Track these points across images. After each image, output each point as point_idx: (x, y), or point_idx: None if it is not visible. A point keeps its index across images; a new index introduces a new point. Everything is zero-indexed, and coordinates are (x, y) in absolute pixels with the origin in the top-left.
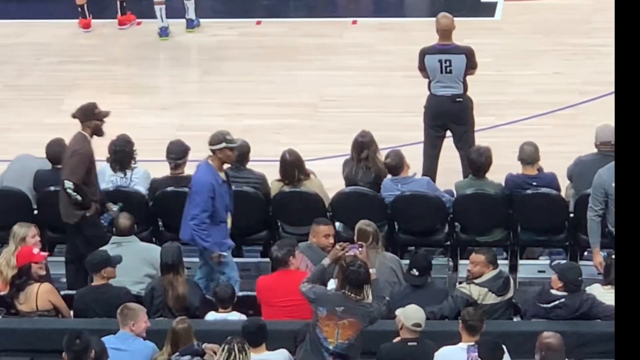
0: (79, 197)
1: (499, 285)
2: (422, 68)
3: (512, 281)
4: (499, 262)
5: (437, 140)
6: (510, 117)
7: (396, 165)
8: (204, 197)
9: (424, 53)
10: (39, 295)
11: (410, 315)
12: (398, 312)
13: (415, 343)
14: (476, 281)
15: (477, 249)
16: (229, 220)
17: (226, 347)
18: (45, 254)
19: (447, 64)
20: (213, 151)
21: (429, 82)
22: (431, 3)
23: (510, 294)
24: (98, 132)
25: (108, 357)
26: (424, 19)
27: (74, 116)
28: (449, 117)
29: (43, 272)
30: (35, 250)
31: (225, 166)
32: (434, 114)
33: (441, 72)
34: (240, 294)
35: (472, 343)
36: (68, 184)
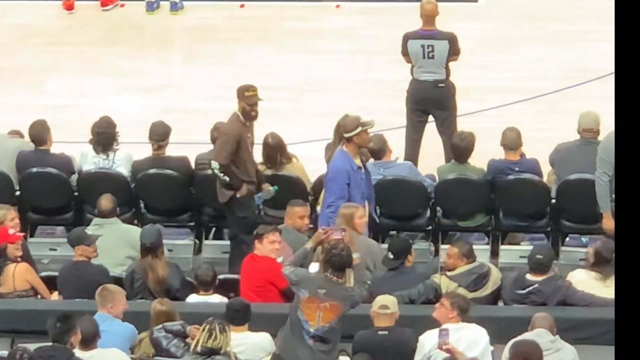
0: (226, 178)
1: (470, 280)
2: (405, 53)
3: (492, 278)
4: (481, 247)
5: (420, 125)
6: (493, 103)
7: (379, 149)
8: (340, 184)
9: (406, 38)
10: (16, 275)
11: (378, 299)
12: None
13: (386, 332)
14: (448, 273)
15: (453, 241)
16: (367, 207)
17: (207, 327)
18: (21, 234)
19: (430, 49)
20: (348, 138)
21: (412, 67)
22: None
23: (487, 292)
24: (246, 115)
25: (100, 338)
26: (408, 4)
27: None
28: (431, 102)
29: (19, 253)
30: (11, 231)
31: (208, 149)
32: (417, 99)
33: (424, 57)
34: (221, 276)
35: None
36: (214, 164)
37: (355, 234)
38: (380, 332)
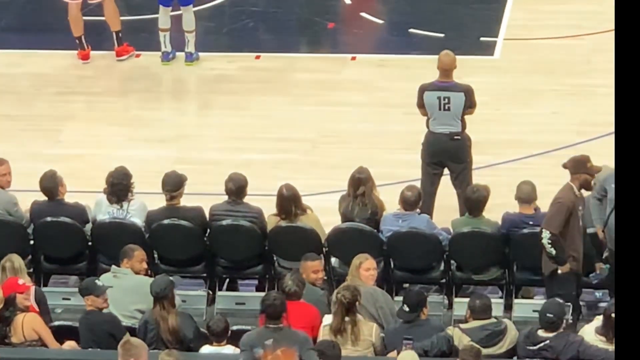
0: (553, 251)
1: (482, 336)
2: (421, 105)
3: (509, 336)
4: (494, 300)
5: (435, 178)
6: (508, 156)
7: (415, 201)
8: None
9: (422, 90)
10: (25, 325)
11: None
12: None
13: None
14: (461, 326)
15: (472, 294)
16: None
17: None
18: (30, 284)
19: (446, 101)
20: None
21: (427, 119)
22: (431, 40)
23: (502, 350)
24: (586, 186)
25: None
26: (424, 57)
27: (564, 166)
28: (446, 154)
29: (28, 303)
30: (20, 281)
31: (222, 200)
32: (432, 152)
33: (439, 109)
34: (234, 327)
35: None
36: (545, 234)
37: (362, 284)
38: None
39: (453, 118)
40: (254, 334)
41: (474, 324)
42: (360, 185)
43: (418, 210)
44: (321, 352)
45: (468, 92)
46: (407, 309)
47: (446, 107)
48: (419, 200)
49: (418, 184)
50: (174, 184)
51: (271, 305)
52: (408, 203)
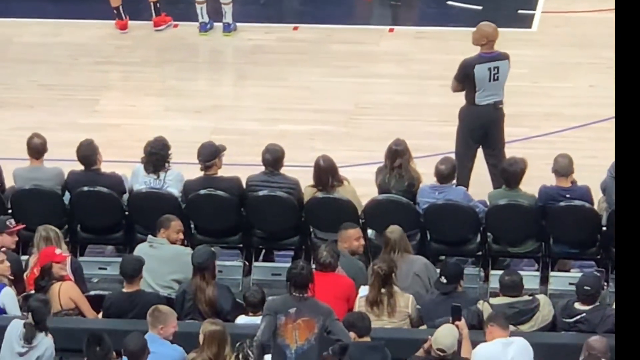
0: None
1: (509, 314)
2: (462, 80)
3: (541, 315)
4: (531, 273)
5: (473, 150)
6: (545, 129)
7: (449, 174)
8: None
9: (471, 65)
10: (61, 294)
11: (438, 339)
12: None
13: None
14: (491, 301)
15: (503, 271)
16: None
17: (240, 355)
18: (67, 254)
19: (495, 71)
20: None
21: (472, 94)
22: (469, 13)
23: (534, 328)
24: None
25: (149, 353)
26: (461, 29)
27: None
28: (490, 124)
29: (64, 273)
30: (57, 251)
31: (259, 170)
32: (477, 125)
33: (489, 80)
34: (269, 298)
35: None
36: None
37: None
38: None
39: (500, 87)
40: (278, 301)
41: (503, 300)
42: (397, 157)
43: (454, 182)
44: (351, 324)
45: (509, 59)
46: (444, 280)
47: (495, 77)
48: (454, 172)
49: (453, 156)
50: (207, 154)
51: (298, 274)
52: (442, 176)
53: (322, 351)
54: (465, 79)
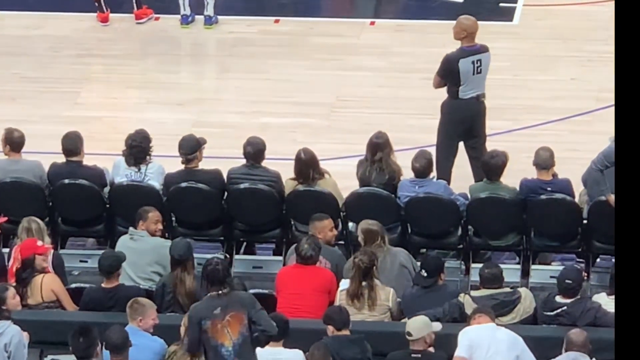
0: None
1: (491, 305)
2: (444, 75)
3: (523, 307)
4: (511, 266)
5: (456, 145)
6: (526, 122)
7: (424, 170)
8: None
9: (455, 59)
10: (43, 286)
11: (408, 323)
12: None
13: (419, 355)
14: (472, 293)
15: (483, 264)
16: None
17: None
18: (49, 246)
19: (479, 64)
20: None
21: (456, 88)
22: (450, 6)
23: (515, 320)
24: None
25: (131, 346)
26: (443, 22)
27: None
28: (475, 118)
29: (46, 265)
30: (39, 243)
31: (240, 163)
32: (461, 118)
33: (473, 73)
34: (252, 291)
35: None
36: None
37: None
38: (413, 355)
39: (482, 80)
40: (200, 306)
41: (484, 292)
42: (378, 150)
43: (434, 176)
44: (328, 317)
45: (489, 51)
46: (425, 274)
47: (479, 70)
48: (430, 167)
49: (430, 150)
50: (189, 147)
51: (213, 270)
52: (419, 172)
53: (266, 327)
54: (449, 74)
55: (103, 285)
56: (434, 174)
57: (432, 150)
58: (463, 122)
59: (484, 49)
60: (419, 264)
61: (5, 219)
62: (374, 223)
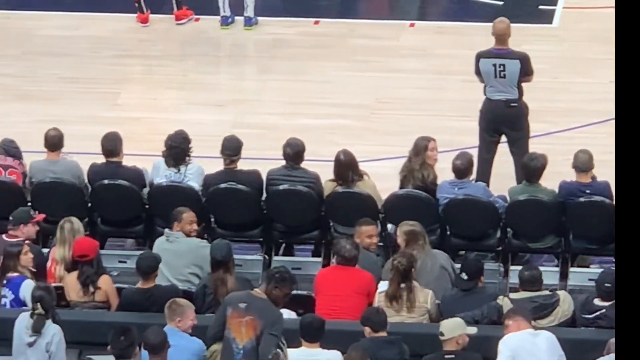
0: None
1: (529, 308)
2: (478, 72)
3: (561, 310)
4: (550, 269)
5: (492, 145)
6: (565, 125)
7: (465, 169)
8: None
9: (478, 57)
10: (100, 286)
11: (441, 323)
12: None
13: (452, 356)
14: (511, 296)
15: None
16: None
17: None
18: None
19: (502, 68)
20: None
21: (484, 86)
22: (490, 8)
23: (553, 323)
24: None
25: (170, 347)
26: (482, 24)
27: None
28: (503, 122)
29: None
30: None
31: (279, 164)
32: (489, 118)
33: (495, 76)
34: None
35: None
36: None
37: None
38: (446, 357)
39: (509, 85)
40: (235, 295)
41: (522, 294)
42: (421, 153)
43: (473, 177)
44: (366, 318)
45: (523, 60)
46: (465, 277)
47: (501, 75)
48: (471, 167)
49: (476, 152)
50: (234, 148)
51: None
52: (459, 171)
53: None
54: (477, 70)
55: (139, 286)
56: (473, 176)
57: (474, 153)
58: (492, 121)
59: (512, 56)
60: (458, 266)
61: (43, 216)
62: (416, 224)
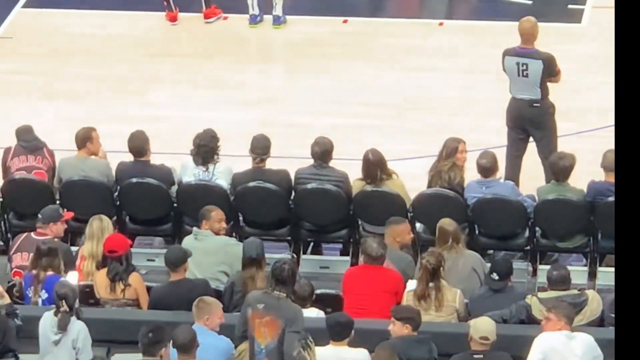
0: None
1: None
2: (505, 69)
3: (590, 309)
4: (579, 268)
5: (520, 143)
6: (593, 124)
7: (490, 167)
8: None
9: (504, 54)
10: (131, 284)
11: (480, 327)
12: (470, 322)
13: (481, 356)
14: (539, 295)
15: (550, 265)
16: None
17: (301, 346)
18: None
19: (524, 67)
20: None
21: (510, 85)
22: (519, 7)
23: (582, 322)
24: None
25: (199, 346)
26: (511, 23)
27: None
28: (527, 121)
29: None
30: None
31: (308, 163)
32: (514, 117)
33: (518, 75)
34: (318, 291)
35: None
36: None
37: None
38: (475, 356)
39: (532, 85)
40: (255, 294)
41: (551, 294)
42: (452, 154)
43: (501, 177)
44: (409, 318)
45: (547, 61)
46: (496, 277)
47: (524, 74)
48: (495, 165)
49: (503, 151)
50: (263, 147)
51: (279, 268)
52: (484, 169)
53: (286, 352)
54: (504, 67)
55: (170, 279)
56: (501, 174)
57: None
58: (518, 120)
59: (536, 56)
60: (488, 265)
61: (72, 214)
62: (450, 223)
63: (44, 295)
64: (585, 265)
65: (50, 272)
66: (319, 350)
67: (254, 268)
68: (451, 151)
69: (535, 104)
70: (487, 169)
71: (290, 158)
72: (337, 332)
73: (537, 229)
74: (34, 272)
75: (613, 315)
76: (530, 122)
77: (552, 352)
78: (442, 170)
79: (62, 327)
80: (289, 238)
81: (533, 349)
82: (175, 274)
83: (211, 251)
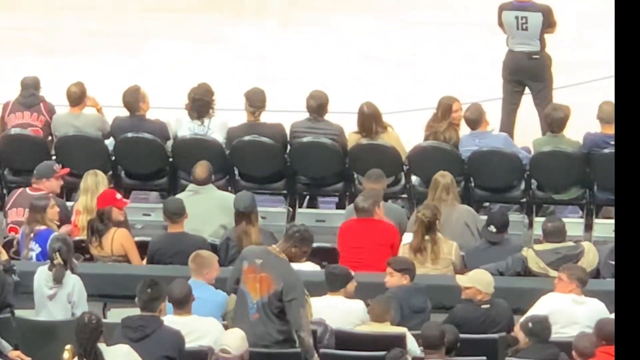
0: None
1: (553, 259)
2: (501, 23)
3: (586, 261)
4: (575, 220)
5: (515, 95)
6: (590, 76)
7: (475, 119)
8: None
9: (501, 9)
10: (114, 240)
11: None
12: (469, 274)
13: (488, 305)
14: (535, 247)
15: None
16: None
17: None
18: (127, 201)
19: (524, 20)
20: None
21: (507, 38)
22: None
23: None
24: None
25: (194, 300)
26: None
27: None
28: (525, 73)
29: (121, 219)
30: (118, 196)
31: (303, 117)
32: (511, 70)
33: (517, 28)
34: (314, 245)
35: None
36: None
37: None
38: (483, 306)
39: (531, 37)
40: (252, 249)
41: (547, 246)
42: (448, 113)
43: (493, 128)
44: (407, 268)
45: (546, 12)
46: (494, 229)
47: (524, 27)
48: (480, 117)
49: (499, 104)
50: (258, 100)
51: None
52: (470, 121)
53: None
54: (499, 22)
55: (168, 230)
56: (492, 126)
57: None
58: (515, 73)
59: (534, 8)
60: (483, 218)
61: (67, 170)
62: (443, 175)
63: (37, 249)
64: (582, 217)
65: (43, 227)
66: (314, 300)
67: (244, 222)
68: (445, 110)
69: (534, 56)
70: (472, 121)
71: (286, 111)
72: (331, 282)
73: (532, 181)
74: (27, 227)
75: (612, 262)
76: (529, 74)
77: (556, 313)
78: (438, 131)
79: (58, 279)
80: (285, 192)
81: (537, 304)
82: (174, 225)
83: (210, 205)
